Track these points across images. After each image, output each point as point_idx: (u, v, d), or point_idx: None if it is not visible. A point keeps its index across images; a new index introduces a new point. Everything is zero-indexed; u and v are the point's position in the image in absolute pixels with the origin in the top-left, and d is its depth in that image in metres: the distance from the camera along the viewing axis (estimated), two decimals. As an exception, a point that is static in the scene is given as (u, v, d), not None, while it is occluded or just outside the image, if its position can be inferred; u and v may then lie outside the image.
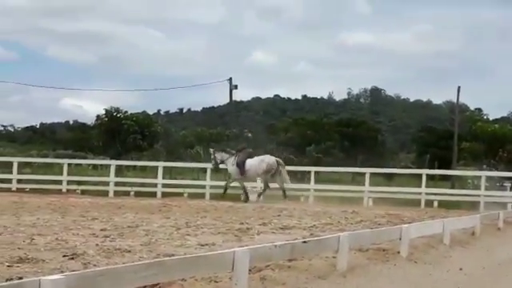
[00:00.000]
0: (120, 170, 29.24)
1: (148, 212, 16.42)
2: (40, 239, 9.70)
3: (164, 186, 26.56)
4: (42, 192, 24.87)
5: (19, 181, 27.03)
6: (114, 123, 46.02)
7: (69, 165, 28.14)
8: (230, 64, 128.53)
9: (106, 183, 26.92)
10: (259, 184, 25.56)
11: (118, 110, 47.19)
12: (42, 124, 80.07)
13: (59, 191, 25.87)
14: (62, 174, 27.30)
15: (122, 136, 45.46)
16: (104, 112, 47.47)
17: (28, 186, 26.64)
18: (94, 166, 34.24)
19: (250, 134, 27.99)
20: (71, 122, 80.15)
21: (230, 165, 24.27)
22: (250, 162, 24.23)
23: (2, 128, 70.83)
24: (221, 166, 24.72)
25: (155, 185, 26.52)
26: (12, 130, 71.01)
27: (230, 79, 42.94)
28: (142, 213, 16.00)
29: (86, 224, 12.42)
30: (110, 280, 4.82)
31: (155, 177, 26.85)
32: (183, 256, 6.29)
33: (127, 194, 25.82)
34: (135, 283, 5.21)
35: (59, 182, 26.97)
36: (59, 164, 29.39)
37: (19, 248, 8.66)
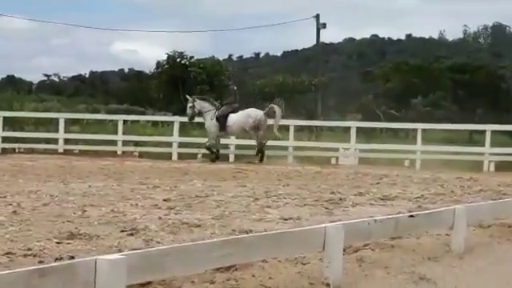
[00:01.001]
0: (184, 128, 29.64)
1: (219, 178, 16.63)
2: (93, 211, 9.98)
3: (238, 147, 26.79)
4: (93, 154, 25.53)
5: (66, 141, 27.78)
6: (178, 71, 46.26)
7: (124, 122, 28.70)
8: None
9: (169, 144, 27.36)
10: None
11: (182, 56, 47.36)
12: (91, 72, 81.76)
13: (113, 153, 26.48)
14: (116, 132, 27.88)
15: (186, 86, 45.75)
16: (165, 58, 47.81)
17: (77, 147, 27.37)
18: (154, 124, 34.77)
19: (235, 87, 28.13)
20: (126, 70, 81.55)
21: (209, 118, 24.96)
22: (234, 118, 24.78)
23: (46, 78, 72.74)
24: (196, 118, 25.55)
25: (226, 146, 26.78)
26: (57, 79, 72.81)
27: (317, 16, 42.63)
28: (212, 179, 16.22)
29: (146, 193, 12.69)
30: (178, 260, 4.91)
31: (226, 136, 27.10)
32: (264, 233, 6.36)
33: (193, 156, 26.17)
34: (207, 264, 5.30)
35: (113, 143, 27.58)
36: (113, 121, 30.01)
37: (69, 221, 8.93)
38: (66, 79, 73.93)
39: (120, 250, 6.89)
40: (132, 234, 8.07)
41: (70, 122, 30.19)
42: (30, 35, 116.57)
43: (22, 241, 7.44)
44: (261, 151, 24.62)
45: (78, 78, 75.81)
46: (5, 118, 27.85)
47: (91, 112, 38.01)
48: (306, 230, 6.34)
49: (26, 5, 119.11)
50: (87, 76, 79.05)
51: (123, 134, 27.73)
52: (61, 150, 26.94)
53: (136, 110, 41.82)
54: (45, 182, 14.44)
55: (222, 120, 24.63)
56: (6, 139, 27.32)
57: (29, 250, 6.96)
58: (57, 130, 27.97)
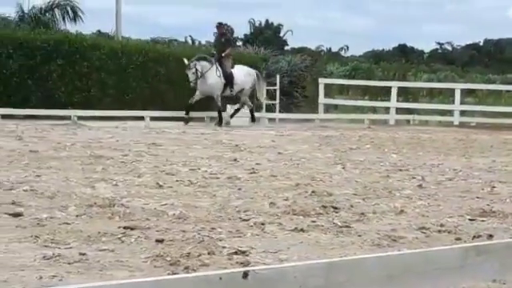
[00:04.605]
0: None
1: None
2: (502, 187, 9.79)
3: None
4: (490, 127, 25.05)
5: (462, 113, 27.62)
6: None
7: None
8: None
9: None
10: None
11: None
12: (486, 40, 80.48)
13: (512, 126, 25.78)
14: (514, 104, 27.18)
15: None
16: None
17: (473, 120, 27.08)
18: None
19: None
20: (523, 38, 79.01)
21: (215, 76, 22.54)
22: (238, 74, 23.06)
23: (438, 46, 73.18)
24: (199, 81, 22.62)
25: None
26: (450, 48, 72.87)
27: None
28: None
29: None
30: None
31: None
32: None
33: None
34: None
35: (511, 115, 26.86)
36: (510, 92, 29.28)
37: (478, 197, 8.85)
38: (459, 48, 73.72)
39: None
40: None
41: (464, 93, 29.98)
42: (421, 1, 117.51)
43: (432, 216, 7.51)
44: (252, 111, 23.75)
45: (473, 47, 75.01)
46: (399, 88, 28.45)
47: (486, 82, 37.50)
48: None
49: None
50: (481, 44, 77.98)
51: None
52: (456, 123, 26.83)
53: (534, 80, 40.42)
54: (445, 155, 14.48)
55: (230, 78, 22.69)
56: (399, 110, 27.89)
57: (441, 225, 7.00)
58: (451, 102, 27.96)
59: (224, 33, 23.82)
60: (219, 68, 22.60)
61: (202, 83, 22.41)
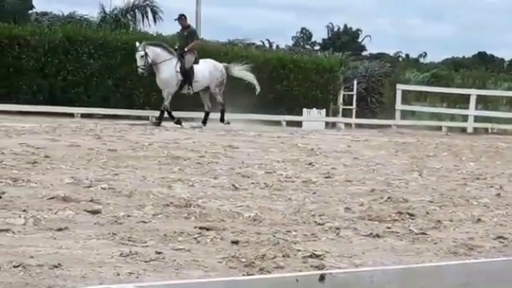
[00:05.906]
0: None
1: None
2: None
3: None
4: None
5: None
6: None
7: None
8: None
9: None
10: None
11: None
12: None
13: None
14: None
15: None
16: None
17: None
18: None
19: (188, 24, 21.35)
20: None
21: (173, 70, 20.36)
22: (201, 70, 20.79)
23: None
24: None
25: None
26: None
27: None
28: None
29: None
30: None
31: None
32: None
33: None
34: None
35: None
36: None
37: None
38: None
39: None
40: None
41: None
42: (504, 9, 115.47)
43: (511, 226, 7.40)
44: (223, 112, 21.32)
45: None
46: (478, 96, 28.11)
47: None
48: None
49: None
50: None
51: None
52: None
53: None
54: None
55: (190, 73, 20.48)
56: (478, 118, 27.56)
57: (517, 236, 6.91)
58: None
59: (188, 25, 21.51)
60: (179, 62, 20.60)
61: (156, 76, 20.69)
